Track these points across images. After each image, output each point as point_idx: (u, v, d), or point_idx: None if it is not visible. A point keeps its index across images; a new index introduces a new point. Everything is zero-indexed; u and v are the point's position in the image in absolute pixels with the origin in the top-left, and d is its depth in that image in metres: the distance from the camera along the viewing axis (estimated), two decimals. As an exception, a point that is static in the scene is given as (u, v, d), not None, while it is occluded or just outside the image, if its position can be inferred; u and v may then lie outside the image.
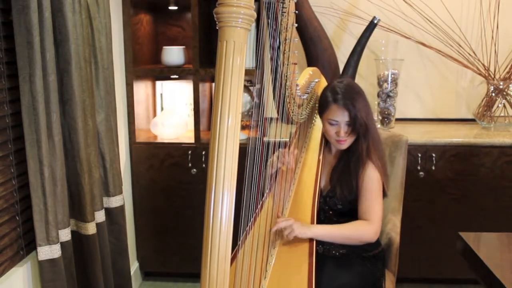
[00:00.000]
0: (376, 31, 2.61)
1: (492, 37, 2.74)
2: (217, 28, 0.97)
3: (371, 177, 1.74)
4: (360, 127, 1.71)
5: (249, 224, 1.58)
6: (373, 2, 2.77)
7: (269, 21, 1.40)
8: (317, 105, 2.02)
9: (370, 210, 1.72)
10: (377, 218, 1.72)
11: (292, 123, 1.78)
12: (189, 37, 2.71)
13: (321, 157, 1.84)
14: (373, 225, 1.71)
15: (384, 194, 1.80)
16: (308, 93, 1.83)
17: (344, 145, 1.78)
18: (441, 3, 2.75)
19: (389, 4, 2.77)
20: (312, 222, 1.67)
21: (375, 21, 2.57)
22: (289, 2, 1.43)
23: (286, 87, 1.57)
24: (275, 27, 1.42)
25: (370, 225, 1.70)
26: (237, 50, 0.95)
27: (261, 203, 1.75)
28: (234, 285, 1.31)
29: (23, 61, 1.61)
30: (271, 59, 1.48)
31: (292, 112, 1.68)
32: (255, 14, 0.97)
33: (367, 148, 1.75)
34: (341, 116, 1.72)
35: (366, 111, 1.73)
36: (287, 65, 1.54)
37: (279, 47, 1.47)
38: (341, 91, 1.72)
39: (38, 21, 1.62)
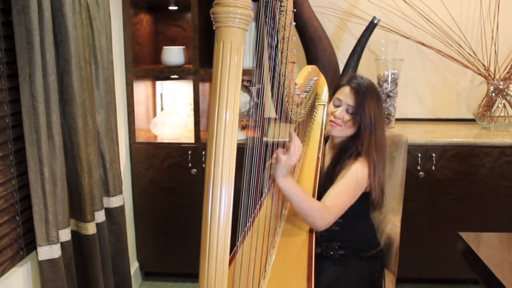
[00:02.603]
0: (376, 31, 2.61)
1: (492, 37, 2.74)
2: (213, 28, 0.96)
3: (354, 171, 1.64)
4: (364, 119, 1.65)
5: (247, 224, 1.58)
6: (373, 2, 2.78)
7: (267, 19, 1.39)
8: (316, 103, 2.02)
9: (333, 198, 1.61)
10: (336, 212, 1.60)
11: (290, 122, 1.76)
12: (189, 37, 2.71)
13: (320, 155, 1.82)
14: (329, 216, 1.59)
15: (376, 206, 1.71)
16: (307, 92, 1.82)
17: (335, 130, 1.72)
18: (441, 3, 2.75)
19: (389, 4, 2.77)
20: None
21: (375, 21, 2.57)
22: (287, 0, 1.43)
23: (285, 86, 1.56)
24: (273, 25, 1.42)
25: (327, 214, 1.58)
26: (234, 50, 0.94)
27: (259, 203, 1.74)
28: (233, 286, 1.31)
29: (23, 61, 1.61)
30: (269, 57, 1.48)
31: (291, 111, 1.67)
32: (252, 14, 0.96)
33: (368, 143, 1.66)
34: (346, 98, 1.69)
35: (376, 111, 1.68)
36: (285, 63, 1.52)
37: (277, 46, 1.46)
38: (360, 80, 1.71)
39: (38, 21, 1.62)
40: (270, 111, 1.60)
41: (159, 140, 2.74)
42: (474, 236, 1.60)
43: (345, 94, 1.70)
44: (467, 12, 2.81)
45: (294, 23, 1.51)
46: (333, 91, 1.80)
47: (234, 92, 0.95)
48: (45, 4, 1.64)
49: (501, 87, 2.69)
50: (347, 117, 1.69)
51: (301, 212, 1.59)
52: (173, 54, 2.65)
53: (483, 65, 2.73)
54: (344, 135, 1.74)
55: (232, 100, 0.94)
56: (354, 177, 1.64)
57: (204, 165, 2.61)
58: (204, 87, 2.74)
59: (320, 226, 1.59)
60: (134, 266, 2.74)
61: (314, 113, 2.02)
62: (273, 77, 1.51)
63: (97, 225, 2.03)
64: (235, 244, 1.50)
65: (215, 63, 0.95)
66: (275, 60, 1.47)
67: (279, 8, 1.41)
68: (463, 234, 1.57)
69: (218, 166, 0.95)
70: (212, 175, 0.95)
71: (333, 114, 1.72)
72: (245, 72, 1.00)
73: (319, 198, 1.69)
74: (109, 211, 2.16)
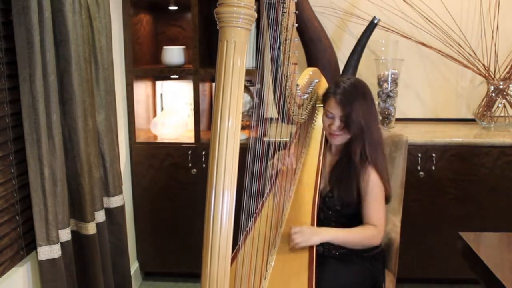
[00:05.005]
0: (376, 31, 2.61)
1: (492, 37, 2.74)
2: (217, 28, 0.97)
3: (373, 181, 1.73)
4: (353, 127, 1.70)
5: (249, 224, 1.58)
6: (373, 2, 2.77)
7: (270, 21, 1.40)
8: (317, 105, 2.02)
9: (375, 214, 1.72)
10: (381, 222, 1.73)
11: (292, 123, 1.78)
12: (189, 37, 2.71)
13: (321, 158, 1.84)
14: (379, 230, 1.72)
15: (388, 199, 1.80)
16: (308, 93, 1.83)
17: (337, 140, 1.78)
18: (441, 3, 2.75)
19: (389, 4, 2.77)
20: (312, 222, 1.66)
21: (375, 21, 2.57)
22: (290, 2, 1.43)
23: (287, 87, 1.57)
24: (275, 27, 1.42)
25: (376, 230, 1.71)
26: (238, 50, 0.95)
27: (261, 203, 1.75)
28: (234, 286, 1.31)
29: (23, 61, 1.61)
30: (272, 59, 1.48)
31: (293, 112, 1.68)
32: (255, 14, 0.97)
33: (361, 151, 1.74)
34: (336, 110, 1.73)
35: (365, 112, 1.71)
36: (288, 65, 1.54)
37: (279, 48, 1.47)
38: (343, 87, 1.73)
39: (38, 21, 1.62)
40: (272, 111, 1.60)
41: (159, 140, 2.74)
42: (474, 236, 1.60)
43: (332, 107, 1.74)
44: (467, 12, 2.81)
45: (296, 25, 1.52)
46: (323, 99, 1.81)
47: (238, 91, 0.96)
48: (45, 4, 1.64)
49: (501, 87, 2.69)
50: (342, 125, 1.74)
51: (359, 245, 1.72)
52: (173, 54, 2.65)
53: (483, 65, 2.73)
54: (346, 140, 1.79)
55: (235, 99, 0.95)
56: (378, 187, 1.74)
57: (204, 165, 2.61)
58: (204, 87, 2.74)
59: (378, 243, 1.76)
60: (134, 266, 2.74)
61: (316, 115, 2.02)
62: (276, 78, 1.51)
63: (97, 225, 2.03)
64: (236, 243, 1.51)
65: (218, 62, 0.96)
66: (277, 62, 1.48)
67: (282, 10, 1.41)
68: (463, 234, 1.57)
69: (221, 167, 0.95)
70: (215, 176, 0.95)
71: (330, 127, 1.76)
72: (246, 72, 1.00)
73: (323, 196, 1.77)
74: (109, 211, 2.16)
